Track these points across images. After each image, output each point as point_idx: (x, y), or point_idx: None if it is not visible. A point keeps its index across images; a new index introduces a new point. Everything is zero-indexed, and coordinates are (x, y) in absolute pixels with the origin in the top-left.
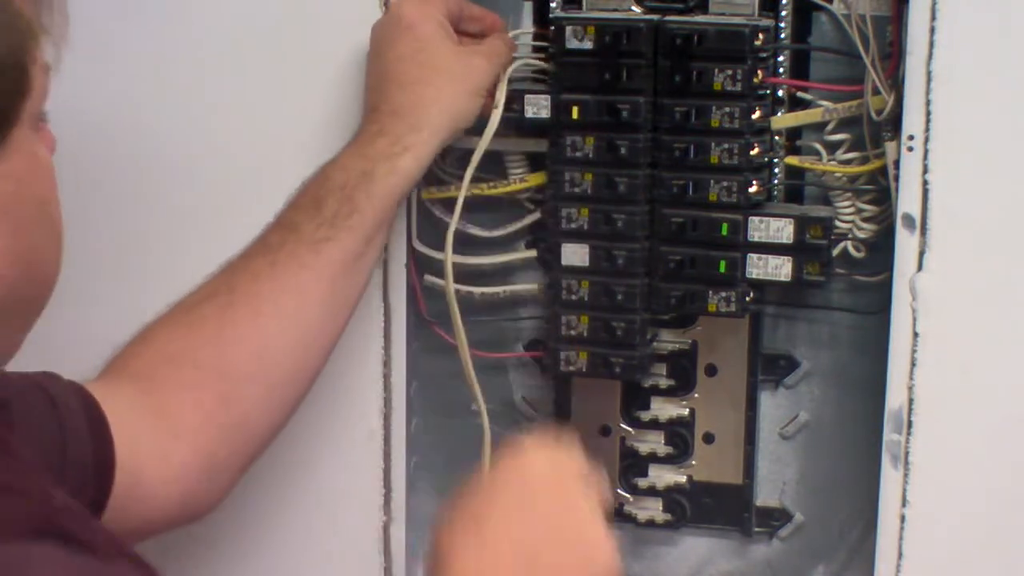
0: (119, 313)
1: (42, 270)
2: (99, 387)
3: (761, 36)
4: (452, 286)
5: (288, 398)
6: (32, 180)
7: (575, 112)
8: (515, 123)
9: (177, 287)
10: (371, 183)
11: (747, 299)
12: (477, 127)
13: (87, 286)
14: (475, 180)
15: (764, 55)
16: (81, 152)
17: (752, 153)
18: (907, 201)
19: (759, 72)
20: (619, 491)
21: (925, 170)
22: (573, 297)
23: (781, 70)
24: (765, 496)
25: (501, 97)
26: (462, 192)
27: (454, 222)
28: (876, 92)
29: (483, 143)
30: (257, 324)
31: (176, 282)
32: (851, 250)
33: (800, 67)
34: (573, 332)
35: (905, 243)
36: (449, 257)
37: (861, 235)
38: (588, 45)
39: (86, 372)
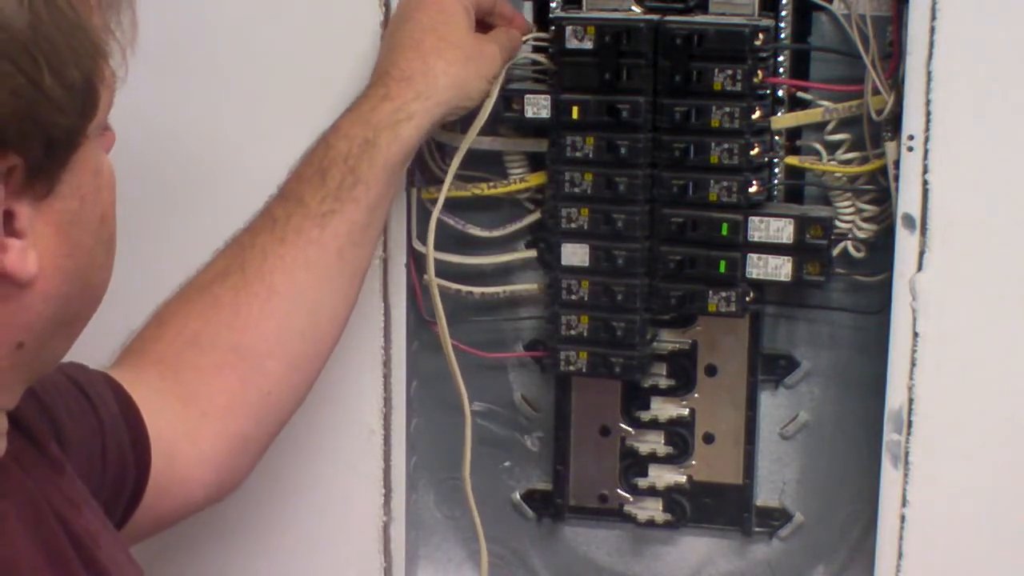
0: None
1: (96, 285)
2: (123, 373)
3: (761, 36)
4: (435, 282)
5: (307, 372)
6: (96, 197)
7: (575, 112)
8: (515, 123)
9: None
10: (374, 152)
11: (747, 299)
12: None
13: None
14: (475, 180)
15: (764, 55)
16: None
17: (752, 153)
18: (907, 201)
19: (759, 72)
20: (619, 491)
21: (925, 170)
22: (573, 297)
23: (781, 70)
24: (765, 496)
25: (495, 88)
26: (450, 173)
27: (437, 209)
28: (876, 92)
29: (476, 126)
30: (272, 303)
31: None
32: (851, 250)
33: (800, 67)
34: (573, 332)
35: (905, 243)
36: (431, 249)
37: (861, 235)
38: (588, 45)
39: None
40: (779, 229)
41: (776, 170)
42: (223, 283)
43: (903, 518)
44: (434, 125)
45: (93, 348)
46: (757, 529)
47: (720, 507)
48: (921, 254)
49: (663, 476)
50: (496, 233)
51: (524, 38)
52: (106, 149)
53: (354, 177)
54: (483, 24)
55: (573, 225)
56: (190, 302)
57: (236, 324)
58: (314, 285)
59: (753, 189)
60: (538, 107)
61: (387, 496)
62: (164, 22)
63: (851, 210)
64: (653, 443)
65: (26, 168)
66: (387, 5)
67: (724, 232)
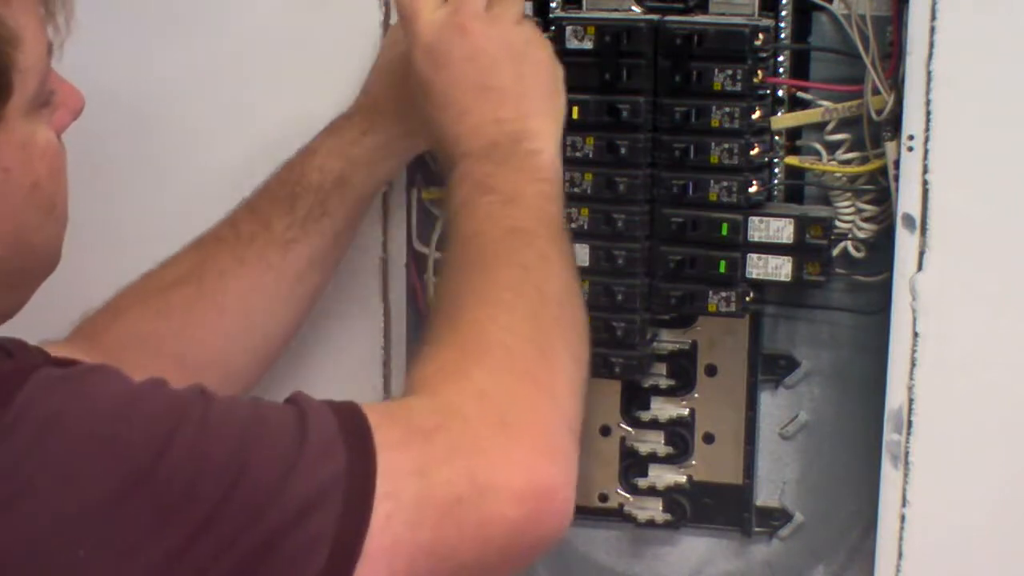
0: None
1: (36, 244)
2: (71, 351)
3: (761, 36)
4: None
5: (247, 381)
6: (21, 170)
7: (575, 112)
8: None
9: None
10: (346, 189)
11: (747, 299)
12: None
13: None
14: None
15: (764, 55)
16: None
17: (752, 153)
18: (907, 201)
19: (759, 72)
20: (619, 491)
21: (925, 170)
22: None
23: (781, 70)
24: (765, 496)
25: None
26: None
27: None
28: (876, 92)
29: None
30: (221, 322)
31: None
32: (851, 250)
33: (800, 67)
34: None
35: (905, 243)
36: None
37: (861, 235)
38: (588, 45)
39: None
40: (779, 229)
41: (776, 170)
42: (179, 291)
43: (903, 518)
44: (410, 159)
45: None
46: (757, 529)
47: (720, 507)
48: (921, 254)
49: (663, 476)
50: None
51: None
52: (62, 123)
53: (322, 210)
54: None
55: (573, 225)
56: (144, 302)
57: (183, 335)
58: (267, 307)
59: (753, 189)
60: None
61: None
62: (163, 15)
63: (851, 210)
64: (653, 443)
65: None
66: (387, 4)
67: (724, 232)
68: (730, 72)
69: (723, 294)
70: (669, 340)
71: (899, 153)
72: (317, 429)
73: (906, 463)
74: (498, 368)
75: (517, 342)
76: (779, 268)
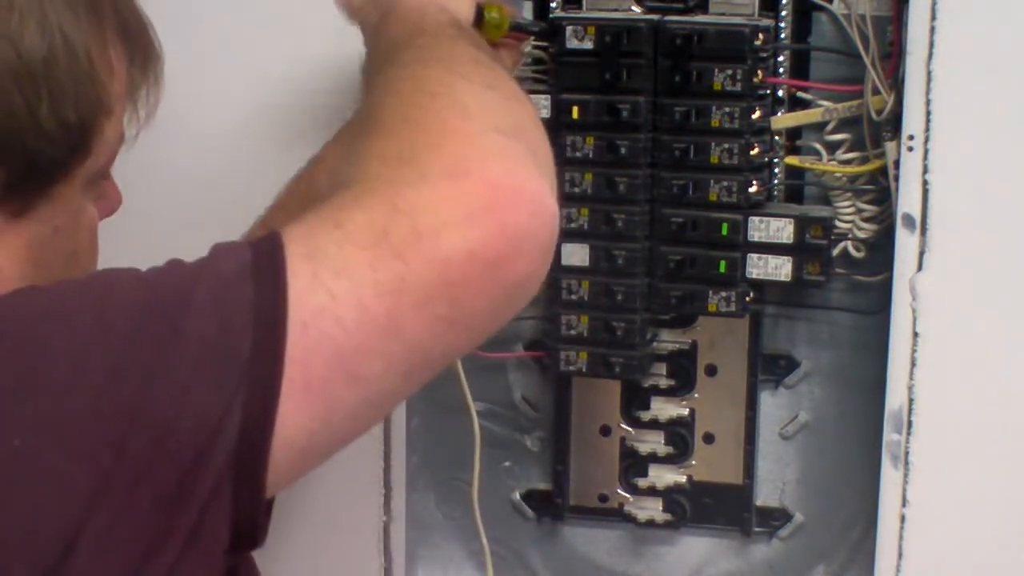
0: None
1: None
2: None
3: (761, 36)
4: None
5: None
6: (68, 233)
7: (575, 112)
8: None
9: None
10: None
11: (747, 299)
12: None
13: None
14: None
15: (764, 55)
16: None
17: (752, 153)
18: (907, 201)
19: (759, 72)
20: (619, 491)
21: (925, 170)
22: (573, 297)
23: (781, 70)
24: (765, 496)
25: None
26: None
27: None
28: (876, 92)
29: None
30: None
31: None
32: (851, 250)
33: (800, 67)
34: (573, 332)
35: (905, 243)
36: None
37: (861, 235)
38: (588, 45)
39: None
40: (779, 229)
41: (776, 170)
42: None
43: (903, 518)
44: None
45: None
46: (757, 529)
47: (720, 507)
48: (921, 254)
49: (663, 476)
50: None
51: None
52: (113, 202)
53: None
54: None
55: (573, 225)
56: None
57: None
58: None
59: (753, 189)
60: (538, 107)
61: (387, 496)
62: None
63: (851, 210)
64: (653, 443)
65: (4, 182)
66: None
67: (724, 232)
68: (730, 72)
69: (723, 294)
70: (669, 340)
71: (899, 153)
72: (223, 246)
73: (906, 463)
74: (390, 124)
75: (405, 99)
76: (779, 268)
